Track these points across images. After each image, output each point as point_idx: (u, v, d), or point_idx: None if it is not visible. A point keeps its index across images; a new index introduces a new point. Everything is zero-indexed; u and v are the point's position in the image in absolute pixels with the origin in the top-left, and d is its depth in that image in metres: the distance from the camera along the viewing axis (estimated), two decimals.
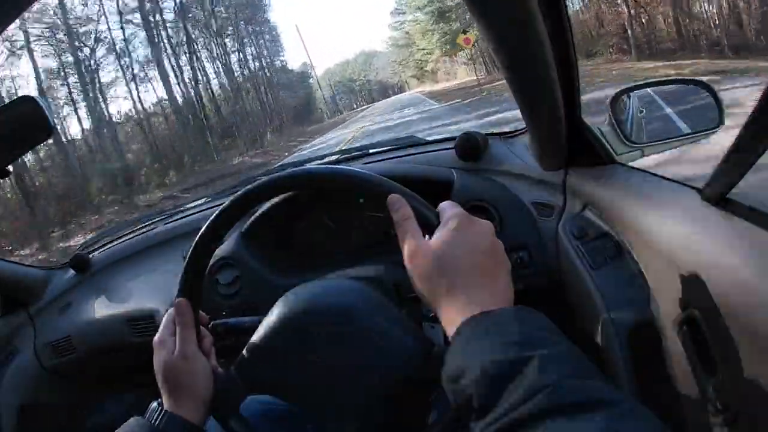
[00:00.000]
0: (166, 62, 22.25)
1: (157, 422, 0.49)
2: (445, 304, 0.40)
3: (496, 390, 0.30)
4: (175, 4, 22.99)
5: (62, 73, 18.38)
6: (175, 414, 0.49)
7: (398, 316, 0.55)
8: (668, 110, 0.79)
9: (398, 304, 0.72)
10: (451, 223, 0.43)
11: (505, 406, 0.29)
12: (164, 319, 0.55)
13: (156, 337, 0.54)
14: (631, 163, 0.75)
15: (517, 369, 0.31)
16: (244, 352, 0.54)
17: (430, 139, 1.18)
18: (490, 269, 0.41)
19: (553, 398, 0.28)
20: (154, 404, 0.51)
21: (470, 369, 0.32)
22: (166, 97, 22.45)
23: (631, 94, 0.78)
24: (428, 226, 0.45)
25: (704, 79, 0.76)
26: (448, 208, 0.45)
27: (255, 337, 0.54)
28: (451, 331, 0.37)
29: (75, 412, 1.21)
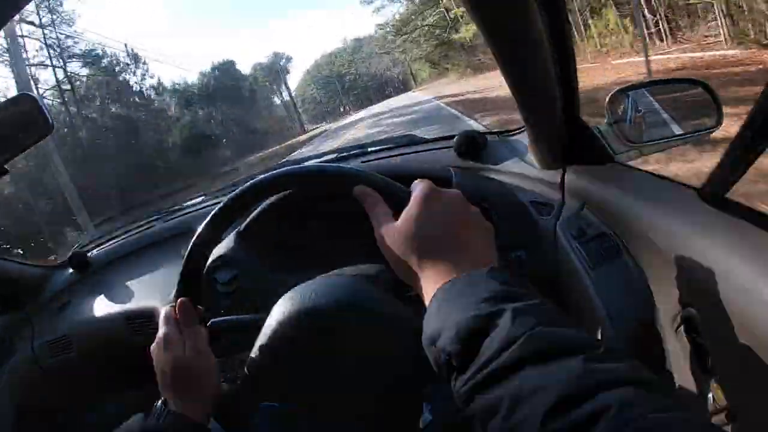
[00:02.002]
0: None
1: (162, 421, 0.48)
2: (419, 279, 0.40)
3: (472, 345, 0.31)
4: None
5: None
6: (180, 414, 0.49)
7: (398, 312, 0.55)
8: (666, 109, 0.79)
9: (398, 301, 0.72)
10: (415, 198, 0.43)
11: (482, 360, 0.30)
12: (163, 318, 0.54)
13: (161, 335, 0.53)
14: (629, 163, 0.76)
15: (490, 323, 0.31)
16: (248, 363, 0.54)
17: (429, 137, 1.18)
18: (462, 236, 0.41)
19: (528, 347, 0.29)
20: (158, 404, 0.50)
21: (446, 329, 0.33)
22: None
23: (629, 93, 0.78)
24: (402, 208, 0.45)
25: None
26: (415, 186, 0.45)
27: (257, 347, 0.54)
28: (427, 302, 0.38)
29: (73, 411, 1.20)
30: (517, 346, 0.29)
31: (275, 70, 45.03)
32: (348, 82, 55.47)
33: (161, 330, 0.54)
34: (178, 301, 0.54)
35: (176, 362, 0.51)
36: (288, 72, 48.73)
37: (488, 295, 0.33)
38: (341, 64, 56.39)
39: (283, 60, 47.31)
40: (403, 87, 48.78)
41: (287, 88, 47.45)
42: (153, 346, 0.54)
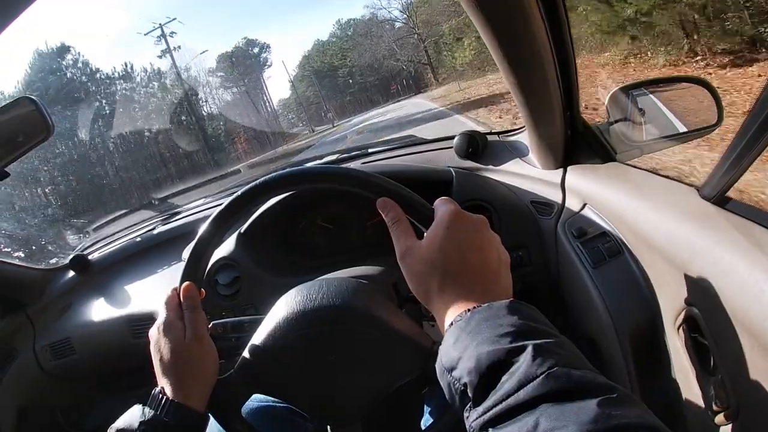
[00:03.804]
0: None
1: (161, 412, 0.47)
2: (438, 302, 0.40)
3: (490, 378, 0.31)
4: None
5: None
6: (181, 403, 0.48)
7: (398, 314, 0.55)
8: (667, 109, 0.79)
9: (398, 303, 0.72)
10: (441, 220, 0.43)
11: (500, 394, 0.30)
12: (165, 303, 0.53)
13: (161, 321, 0.52)
14: (630, 162, 0.75)
15: (510, 358, 0.31)
16: (244, 353, 0.54)
17: (429, 138, 1.18)
18: (483, 264, 0.41)
19: (547, 386, 0.29)
20: (156, 392, 0.49)
21: (464, 359, 0.33)
22: None
23: (630, 92, 0.78)
24: (424, 224, 0.45)
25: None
26: (441, 205, 0.45)
27: (255, 338, 0.54)
28: (444, 327, 0.38)
29: (74, 413, 1.20)
30: (537, 384, 0.29)
31: (246, 63, 31.19)
32: (341, 77, 39.34)
33: (162, 314, 0.52)
34: (184, 284, 0.53)
35: (177, 347, 0.49)
36: (269, 65, 33.79)
37: (509, 330, 0.33)
38: (333, 54, 39.60)
39: (257, 48, 32.48)
40: (412, 86, 32.96)
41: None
42: (152, 330, 0.52)
